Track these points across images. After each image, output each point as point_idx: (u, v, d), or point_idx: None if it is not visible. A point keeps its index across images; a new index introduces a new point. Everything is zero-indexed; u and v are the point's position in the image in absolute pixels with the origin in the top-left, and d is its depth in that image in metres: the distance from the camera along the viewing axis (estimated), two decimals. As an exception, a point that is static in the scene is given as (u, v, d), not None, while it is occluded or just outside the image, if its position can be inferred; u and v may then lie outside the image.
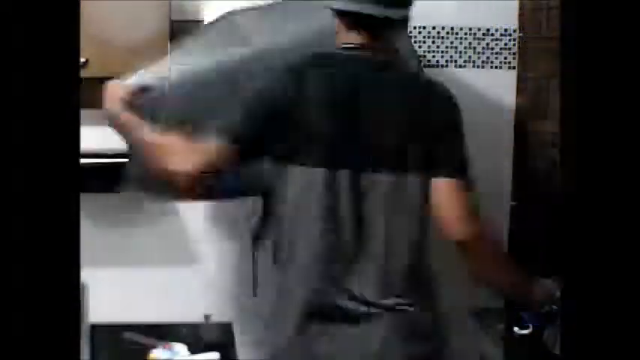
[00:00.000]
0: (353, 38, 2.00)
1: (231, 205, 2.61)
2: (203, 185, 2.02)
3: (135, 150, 2.10)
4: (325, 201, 1.94)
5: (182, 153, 1.95)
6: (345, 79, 1.98)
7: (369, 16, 1.97)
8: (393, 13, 1.98)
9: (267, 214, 2.07)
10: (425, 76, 2.12)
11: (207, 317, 2.50)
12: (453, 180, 1.97)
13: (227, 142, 1.93)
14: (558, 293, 2.05)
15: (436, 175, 1.97)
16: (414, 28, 2.77)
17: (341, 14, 2.01)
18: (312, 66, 2.00)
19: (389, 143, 1.96)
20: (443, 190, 1.97)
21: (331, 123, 1.95)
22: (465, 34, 2.87)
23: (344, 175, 1.94)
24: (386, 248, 1.98)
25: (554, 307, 2.12)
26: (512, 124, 2.93)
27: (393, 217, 1.98)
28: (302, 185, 1.95)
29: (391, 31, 2.04)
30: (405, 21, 2.04)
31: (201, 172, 1.94)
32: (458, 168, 1.99)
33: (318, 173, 1.94)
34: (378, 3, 1.95)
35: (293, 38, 2.21)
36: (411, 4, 2.02)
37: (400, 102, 1.99)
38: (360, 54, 1.99)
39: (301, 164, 1.95)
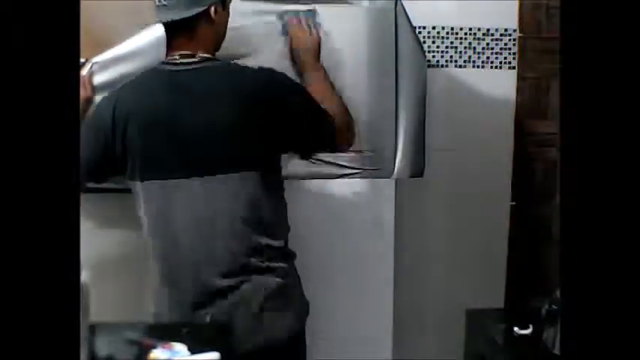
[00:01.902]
0: (172, 49, 2.08)
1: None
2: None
3: None
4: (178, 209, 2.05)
5: None
6: (170, 90, 2.05)
7: (170, 22, 2.05)
8: (188, 12, 2.03)
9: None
10: (244, 67, 2.14)
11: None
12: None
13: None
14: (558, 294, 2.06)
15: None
16: (414, 28, 2.77)
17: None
18: (138, 84, 2.09)
19: (231, 142, 2.03)
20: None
21: (165, 137, 2.03)
22: (465, 34, 2.87)
23: (189, 183, 2.04)
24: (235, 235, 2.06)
25: (554, 307, 2.12)
26: (513, 124, 2.93)
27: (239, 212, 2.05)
28: (153, 198, 2.07)
29: (198, 30, 2.07)
30: (207, 15, 2.06)
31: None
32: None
33: (165, 184, 2.04)
34: (168, 8, 2.03)
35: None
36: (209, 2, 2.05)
37: (230, 101, 2.04)
38: (179, 62, 2.06)
39: (147, 179, 2.06)
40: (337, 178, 2.40)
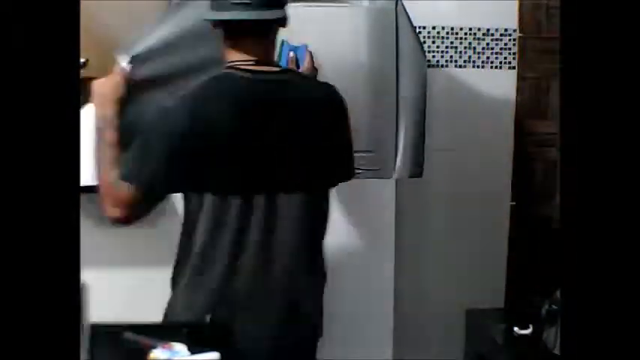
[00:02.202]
0: (238, 55, 1.90)
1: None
2: (137, 217, 1.97)
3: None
4: (236, 227, 1.90)
5: (107, 204, 1.91)
6: (242, 101, 1.88)
7: (245, 23, 1.86)
8: (270, 14, 1.88)
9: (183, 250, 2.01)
10: (313, 79, 2.05)
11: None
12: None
13: (139, 187, 1.87)
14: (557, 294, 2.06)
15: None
16: (415, 28, 2.77)
17: (217, 26, 1.91)
18: (207, 93, 1.88)
19: (304, 159, 1.93)
20: None
21: (240, 149, 1.88)
22: (465, 34, 2.87)
23: (258, 200, 1.89)
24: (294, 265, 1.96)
25: (554, 307, 2.13)
26: (513, 124, 2.94)
27: (305, 232, 1.96)
28: (215, 214, 1.90)
29: (270, 35, 1.94)
30: (283, 21, 1.92)
31: (127, 217, 1.93)
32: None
33: (231, 201, 1.89)
34: (250, 7, 1.84)
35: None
36: (286, 4, 1.92)
37: (307, 115, 1.94)
38: (255, 69, 1.89)
39: (213, 194, 1.89)
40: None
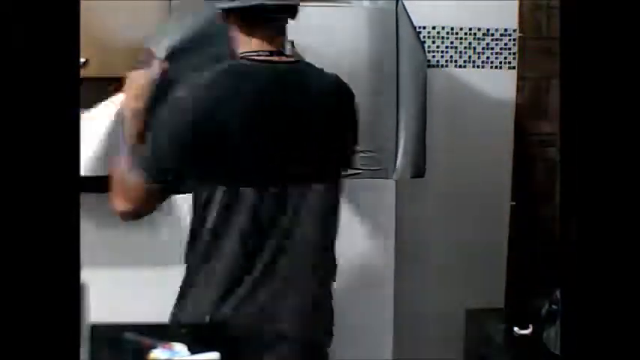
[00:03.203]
0: (253, 45, 1.85)
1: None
2: (147, 212, 1.96)
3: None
4: (249, 220, 1.85)
5: (118, 197, 1.89)
6: (255, 91, 1.83)
7: (263, 9, 1.81)
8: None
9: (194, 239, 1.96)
10: (322, 70, 1.97)
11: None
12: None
13: (150, 180, 1.84)
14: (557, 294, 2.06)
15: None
16: (415, 28, 2.78)
17: (229, 15, 1.86)
18: (219, 84, 1.83)
19: (319, 152, 1.90)
20: None
21: (257, 141, 1.83)
22: (465, 34, 2.88)
23: (271, 193, 1.85)
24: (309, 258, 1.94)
25: (554, 307, 2.13)
26: (512, 124, 2.94)
27: (318, 223, 1.93)
28: (226, 206, 1.85)
29: (284, 25, 1.89)
30: (295, 11, 1.89)
31: (138, 212, 1.92)
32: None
33: (244, 194, 1.84)
34: None
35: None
36: None
37: (321, 106, 1.91)
38: (270, 60, 1.85)
39: (227, 186, 1.83)
40: (337, 178, 2.39)
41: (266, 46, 1.85)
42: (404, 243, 2.83)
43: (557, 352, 2.16)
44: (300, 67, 1.93)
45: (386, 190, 2.65)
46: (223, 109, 1.81)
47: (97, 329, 1.85)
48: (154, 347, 1.74)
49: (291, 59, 1.93)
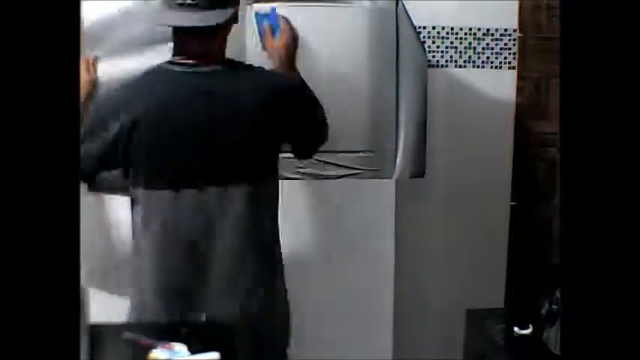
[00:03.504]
0: (178, 51, 1.96)
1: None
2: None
3: None
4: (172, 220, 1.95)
5: None
6: (180, 95, 1.94)
7: (187, 28, 1.92)
8: (216, 16, 1.91)
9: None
10: (255, 72, 2.05)
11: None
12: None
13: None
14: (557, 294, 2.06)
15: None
16: (415, 28, 2.78)
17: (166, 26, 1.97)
18: (139, 84, 1.96)
19: (234, 153, 1.95)
20: None
21: (168, 142, 1.93)
22: (465, 34, 2.87)
23: (191, 193, 1.94)
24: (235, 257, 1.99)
25: (554, 307, 2.12)
26: (512, 124, 2.94)
27: (241, 225, 1.98)
28: (146, 206, 1.96)
29: (218, 35, 1.98)
30: (231, 21, 1.98)
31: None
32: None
33: (161, 195, 1.94)
34: (196, 8, 1.89)
35: None
36: (234, 3, 1.97)
37: (238, 107, 1.96)
38: (188, 63, 1.95)
39: (148, 188, 1.95)
40: (337, 178, 2.39)
41: (192, 54, 1.95)
42: (404, 243, 2.83)
43: (557, 352, 2.16)
44: (220, 71, 1.98)
45: (386, 190, 2.64)
46: (138, 109, 1.92)
47: (97, 329, 1.85)
48: (154, 347, 1.74)
49: (214, 67, 1.97)
